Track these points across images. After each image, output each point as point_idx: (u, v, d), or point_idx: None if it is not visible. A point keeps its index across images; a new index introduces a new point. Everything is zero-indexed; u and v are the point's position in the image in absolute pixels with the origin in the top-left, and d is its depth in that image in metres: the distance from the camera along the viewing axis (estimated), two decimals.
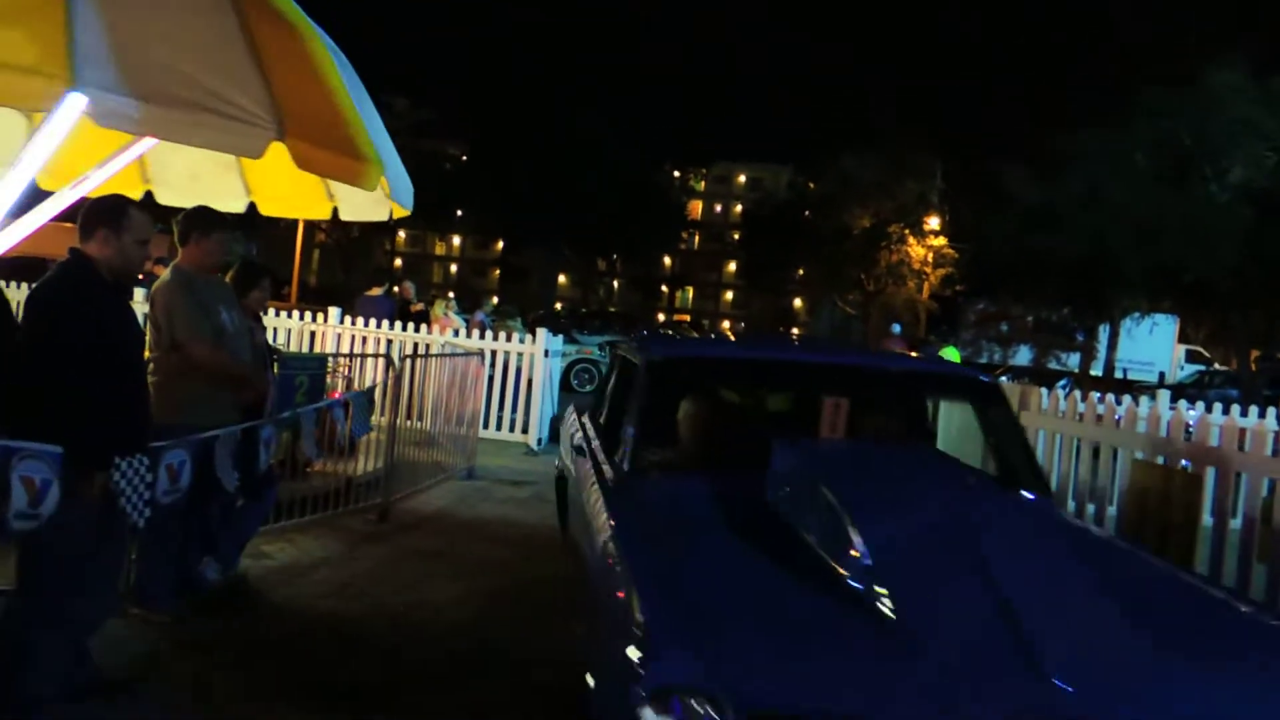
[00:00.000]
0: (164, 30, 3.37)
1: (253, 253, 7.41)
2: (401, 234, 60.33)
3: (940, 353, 14.01)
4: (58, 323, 3.29)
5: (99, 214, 3.47)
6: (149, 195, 5.39)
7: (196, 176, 5.30)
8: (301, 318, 11.28)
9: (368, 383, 7.93)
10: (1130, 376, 29.50)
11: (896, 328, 23.06)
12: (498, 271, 65.34)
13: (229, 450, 4.36)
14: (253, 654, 4.24)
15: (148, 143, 4.32)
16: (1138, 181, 24.72)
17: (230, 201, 5.63)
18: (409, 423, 8.33)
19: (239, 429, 4.39)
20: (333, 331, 11.09)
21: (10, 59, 2.97)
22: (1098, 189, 25.26)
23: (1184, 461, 5.27)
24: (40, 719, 3.23)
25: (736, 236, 65.11)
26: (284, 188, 5.38)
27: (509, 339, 11.10)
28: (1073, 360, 32.58)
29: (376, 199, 5.15)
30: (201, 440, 4.07)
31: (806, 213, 47.07)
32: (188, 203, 5.50)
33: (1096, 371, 30.25)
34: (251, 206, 5.67)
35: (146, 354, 4.33)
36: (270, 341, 5.42)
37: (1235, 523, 5.21)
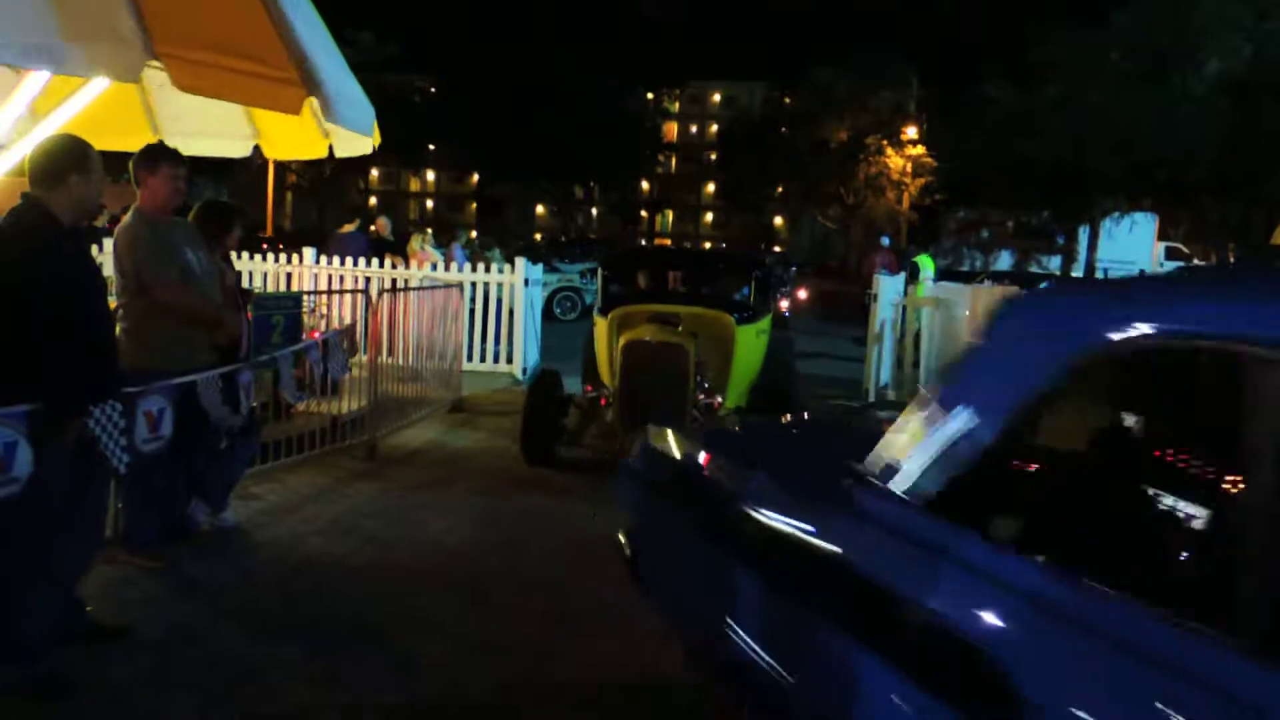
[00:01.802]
0: None
1: (237, 205, 7.27)
2: (375, 172, 59.39)
3: (915, 259, 14.02)
4: (17, 274, 3.21)
5: (65, 158, 3.36)
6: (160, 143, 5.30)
7: (203, 122, 5.19)
8: (276, 259, 11.13)
9: (345, 321, 7.84)
10: (1110, 275, 29.58)
11: (885, 240, 23.06)
12: (474, 205, 64.60)
13: (215, 394, 4.33)
14: (245, 594, 4.26)
15: (90, 89, 4.18)
16: (1114, 82, 24.50)
17: (236, 145, 5.50)
18: (391, 360, 8.30)
19: (219, 373, 4.35)
20: (309, 272, 10.95)
21: None
22: (1074, 91, 25.05)
23: None
24: (34, 666, 3.24)
25: (714, 157, 64.43)
26: (288, 130, 5.26)
27: (488, 270, 11.00)
28: (1053, 263, 32.64)
29: (310, 135, 5.02)
30: (180, 385, 4.04)
31: (783, 129, 46.51)
32: (196, 149, 5.41)
33: (1078, 273, 30.32)
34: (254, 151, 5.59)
35: (113, 300, 4.26)
36: (242, 282, 5.33)
37: None
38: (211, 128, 5.32)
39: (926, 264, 13.59)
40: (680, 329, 6.64)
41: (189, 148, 5.28)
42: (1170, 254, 33.00)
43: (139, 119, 5.35)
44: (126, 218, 4.37)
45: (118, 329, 4.27)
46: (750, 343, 7.16)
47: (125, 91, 4.94)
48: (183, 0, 3.48)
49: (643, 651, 3.70)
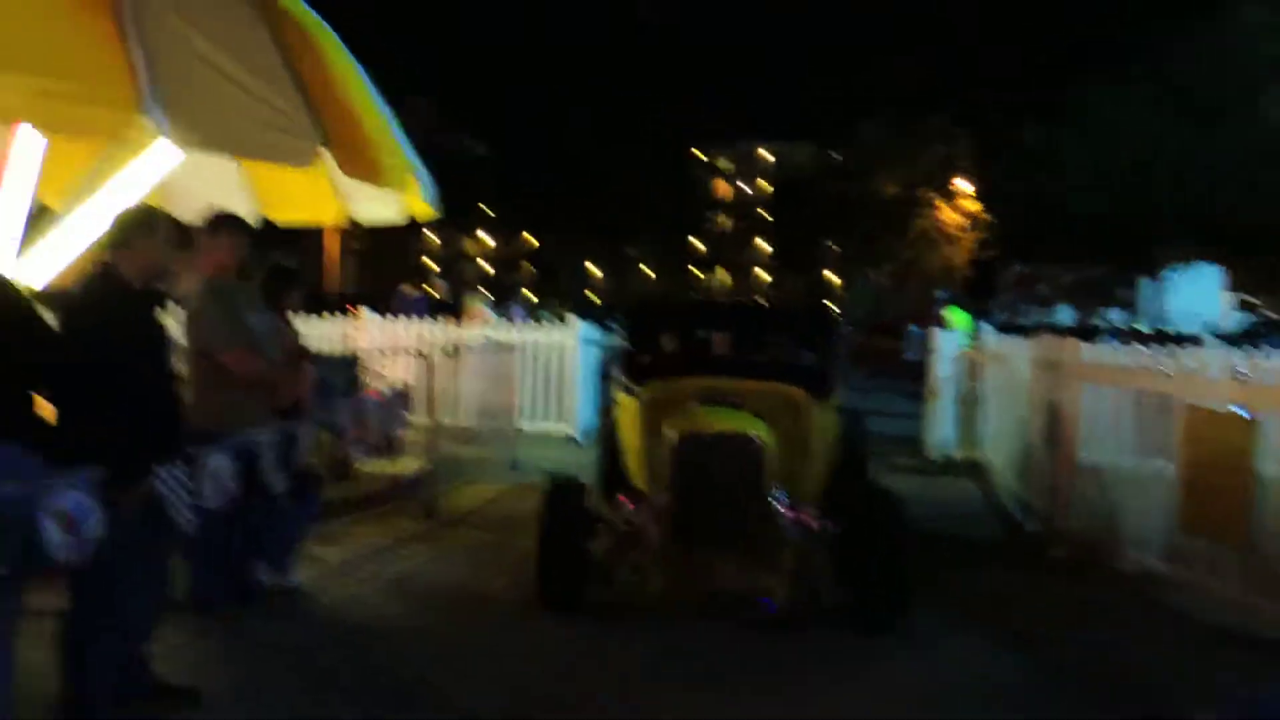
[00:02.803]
0: (210, 48, 3.48)
1: (297, 268, 7.52)
2: (430, 235, 60.65)
3: (944, 311, 13.87)
4: (89, 337, 3.30)
5: (134, 224, 3.49)
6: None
7: (210, 192, 5.37)
8: (334, 315, 11.36)
9: (404, 381, 7.93)
10: (1177, 330, 28.87)
11: (943, 294, 22.94)
12: (528, 267, 65.52)
13: (274, 452, 4.38)
14: (308, 654, 4.26)
15: (172, 158, 4.38)
16: (1168, 128, 24.16)
17: (241, 214, 5.67)
18: (450, 421, 8.37)
19: (282, 431, 4.41)
20: (366, 332, 11.14)
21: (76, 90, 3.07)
22: (1127, 139, 24.75)
23: (1237, 408, 5.12)
24: None
25: (766, 215, 64.69)
26: (290, 196, 5.46)
27: (543, 326, 11.11)
28: (1116, 316, 32.01)
29: (386, 200, 5.23)
30: (244, 443, 4.09)
31: (835, 186, 46.64)
32: (192, 216, 5.59)
33: (1141, 326, 29.69)
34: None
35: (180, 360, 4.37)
36: (302, 342, 5.43)
37: None
38: (215, 197, 5.44)
39: (958, 319, 13.40)
40: (744, 411, 4.89)
41: (189, 214, 5.45)
42: (1242, 306, 32.18)
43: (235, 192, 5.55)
44: (192, 284, 4.48)
45: (186, 391, 4.38)
46: (827, 426, 5.51)
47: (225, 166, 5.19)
48: (325, 90, 3.77)
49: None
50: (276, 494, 4.58)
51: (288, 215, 5.93)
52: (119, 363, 3.26)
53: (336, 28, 4.83)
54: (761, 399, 5.10)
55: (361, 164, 4.22)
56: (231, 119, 3.64)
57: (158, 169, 4.46)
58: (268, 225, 5.78)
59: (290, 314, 5.10)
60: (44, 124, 3.64)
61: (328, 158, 4.14)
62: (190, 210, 5.43)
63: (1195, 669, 4.38)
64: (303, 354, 5.41)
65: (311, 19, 4.54)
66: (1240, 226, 23.65)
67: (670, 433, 4.69)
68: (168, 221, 3.59)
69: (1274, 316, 28.27)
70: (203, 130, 3.46)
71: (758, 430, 4.70)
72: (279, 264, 5.25)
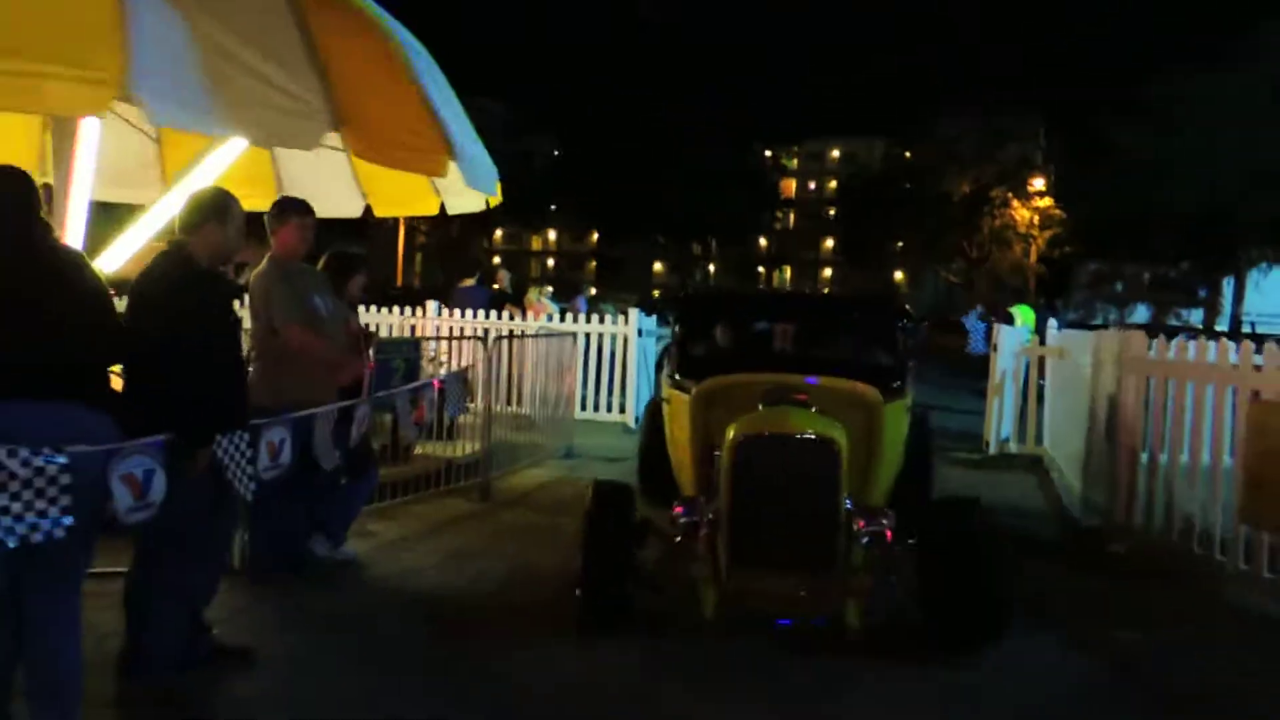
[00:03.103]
0: (217, 26, 3.58)
1: (362, 253, 7.75)
2: (499, 232, 61.38)
3: (1011, 309, 13.64)
4: (164, 314, 3.47)
5: (207, 207, 3.66)
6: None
7: (318, 183, 5.63)
8: (402, 311, 11.61)
9: (463, 366, 8.10)
10: (1258, 330, 27.90)
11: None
12: (593, 263, 65.92)
13: (328, 428, 4.53)
14: (360, 623, 4.40)
15: (234, 147, 4.58)
16: (1260, 122, 23.33)
17: (349, 205, 5.91)
18: (508, 408, 8.52)
19: (335, 407, 4.56)
20: (431, 324, 11.37)
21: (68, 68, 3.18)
22: (1216, 134, 23.97)
23: None
24: (163, 683, 3.43)
25: (832, 213, 64.13)
26: (394, 188, 5.66)
27: (602, 321, 11.20)
28: (1195, 316, 31.03)
29: (472, 191, 5.36)
30: (300, 418, 4.25)
31: (905, 183, 46.02)
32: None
33: (1221, 327, 28.76)
34: (367, 210, 5.99)
35: (246, 340, 4.56)
36: (366, 327, 5.61)
37: None
38: (325, 189, 5.69)
39: (1024, 314, 13.15)
40: (814, 410, 4.37)
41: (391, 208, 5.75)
42: None
43: (265, 178, 5.78)
44: (261, 265, 4.67)
45: (250, 368, 4.56)
46: (898, 427, 5.14)
47: (258, 157, 5.41)
48: (355, 77, 3.85)
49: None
50: (327, 469, 4.75)
51: (391, 207, 6.11)
52: (185, 338, 3.41)
53: (411, 27, 5.02)
54: (831, 398, 4.59)
55: (384, 150, 4.26)
56: (230, 100, 3.68)
57: (225, 159, 4.68)
58: (338, 221, 6.00)
59: (354, 299, 5.25)
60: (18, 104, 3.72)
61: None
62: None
63: (1258, 668, 4.28)
64: (365, 337, 5.58)
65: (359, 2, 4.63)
66: None
67: (733, 433, 4.12)
68: (240, 209, 3.75)
69: None
70: (193, 111, 3.52)
71: (833, 432, 4.12)
72: (342, 250, 5.42)
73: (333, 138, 4.07)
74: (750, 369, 5.03)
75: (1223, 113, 23.89)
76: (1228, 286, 29.84)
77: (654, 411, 6.21)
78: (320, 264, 5.20)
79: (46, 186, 4.14)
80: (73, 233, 4.13)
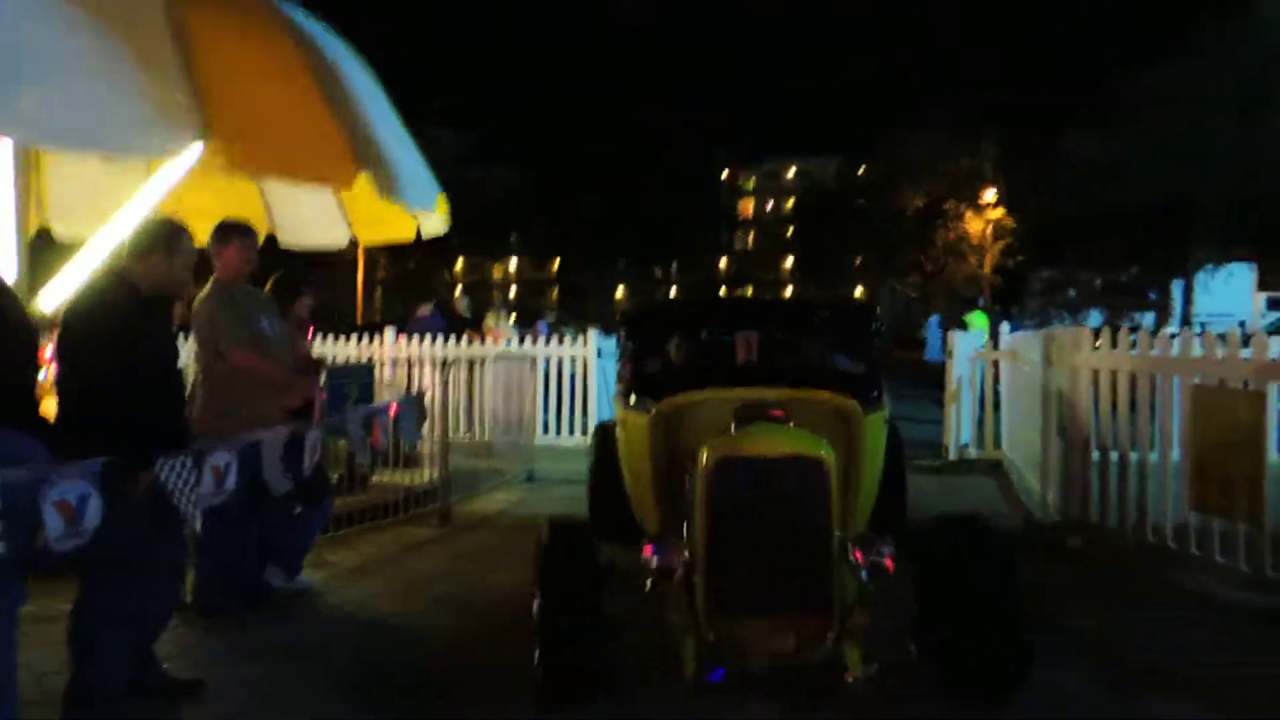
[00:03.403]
0: (86, 34, 3.44)
1: (308, 274, 7.53)
2: (460, 262, 61.20)
3: (965, 318, 13.84)
4: (98, 338, 3.42)
5: (157, 236, 3.61)
6: (271, 238, 5.78)
7: (305, 215, 5.59)
8: (359, 341, 11.51)
9: (419, 390, 8.05)
10: (1210, 330, 28.48)
11: (981, 300, 22.91)
12: (556, 291, 65.90)
13: (277, 452, 4.46)
14: (317, 653, 4.32)
15: (174, 173, 4.53)
16: (1204, 117, 23.83)
17: (336, 235, 5.84)
18: (468, 434, 8.49)
19: (284, 431, 4.50)
20: (388, 352, 11.28)
21: None
22: (1166, 135, 24.42)
23: (1243, 382, 5.09)
24: (106, 715, 3.34)
25: (790, 231, 64.73)
26: (375, 214, 5.61)
27: (561, 343, 11.20)
28: (1147, 319, 31.62)
29: (394, 217, 5.32)
30: (247, 443, 4.18)
31: (858, 199, 46.62)
32: (302, 241, 5.82)
33: (1174, 328, 29.33)
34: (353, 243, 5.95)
35: (194, 364, 4.51)
36: (315, 351, 5.56)
37: None
38: (313, 220, 5.64)
39: (978, 321, 13.35)
40: (792, 426, 3.86)
41: (297, 241, 5.68)
42: (1273, 304, 31.70)
43: (257, 212, 5.72)
44: (205, 288, 4.62)
45: (198, 392, 4.51)
46: (878, 441, 4.68)
47: (246, 190, 5.36)
48: (239, 84, 3.71)
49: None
50: (279, 495, 4.67)
51: (374, 234, 6.03)
52: (122, 360, 3.36)
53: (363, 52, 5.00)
54: (807, 412, 4.10)
55: (271, 161, 4.14)
56: (95, 115, 3.52)
57: (165, 185, 4.63)
58: (295, 258, 5.95)
59: (301, 320, 5.20)
60: None
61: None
62: (295, 235, 5.70)
63: (1206, 644, 4.34)
64: (314, 361, 5.54)
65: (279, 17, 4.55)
66: (1272, 221, 23.32)
67: (706, 457, 3.57)
68: (191, 244, 3.70)
69: None
70: (42, 124, 3.40)
71: (821, 450, 3.60)
72: (288, 271, 5.37)
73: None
74: (714, 384, 4.53)
75: (1167, 114, 24.44)
76: (1177, 289, 30.45)
77: (604, 437, 5.75)
78: (267, 286, 5.16)
79: None
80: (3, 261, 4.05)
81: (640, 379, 5.15)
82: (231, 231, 4.59)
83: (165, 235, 3.62)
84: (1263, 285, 32.10)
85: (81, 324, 3.46)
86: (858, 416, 4.32)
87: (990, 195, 39.99)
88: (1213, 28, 23.77)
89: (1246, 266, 30.42)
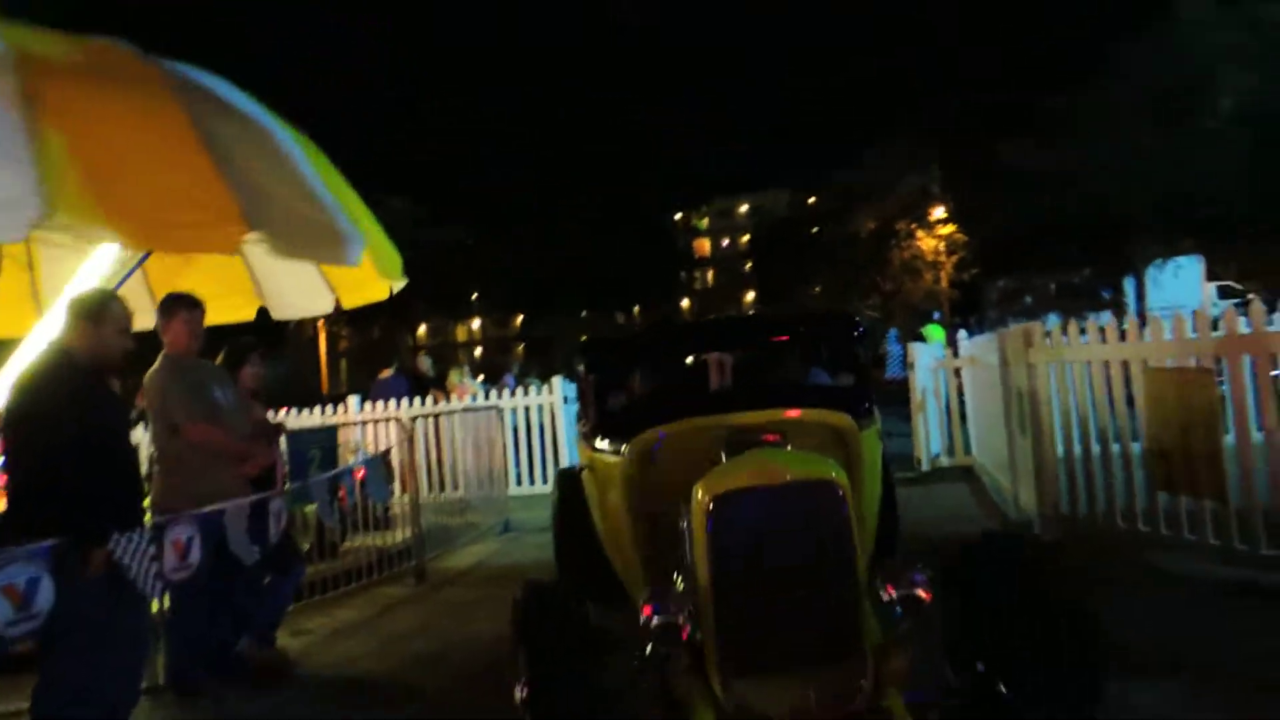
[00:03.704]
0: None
1: (253, 341, 7.45)
2: (423, 327, 61.09)
3: (922, 330, 14.08)
4: (46, 413, 3.37)
5: (79, 308, 3.60)
6: (263, 311, 5.78)
7: (291, 285, 5.58)
8: (322, 411, 11.42)
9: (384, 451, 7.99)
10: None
11: (936, 315, 23.20)
12: (521, 346, 65.88)
13: (241, 524, 4.41)
14: None
15: (105, 257, 4.54)
16: (1130, 126, 24.62)
17: (321, 302, 5.81)
18: (439, 494, 8.43)
19: (247, 502, 4.45)
20: (353, 419, 11.20)
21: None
22: (1094, 143, 25.18)
23: (1193, 360, 5.19)
24: None
25: (748, 266, 65.33)
26: (351, 277, 5.59)
27: (526, 393, 11.17)
28: (1104, 318, 32.12)
29: (370, 278, 5.34)
30: (208, 515, 4.13)
31: (813, 228, 47.25)
32: (292, 311, 5.79)
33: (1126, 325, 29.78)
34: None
35: (150, 440, 4.46)
36: (272, 417, 5.51)
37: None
38: (299, 289, 5.62)
39: (934, 333, 13.56)
40: (790, 449, 3.53)
41: (286, 311, 5.67)
42: (1223, 293, 32.35)
43: (246, 289, 5.69)
44: (155, 363, 4.58)
45: (154, 470, 4.45)
46: (875, 456, 4.32)
47: (232, 266, 5.35)
48: (122, 156, 3.70)
49: None
50: (248, 566, 4.61)
51: (356, 298, 5.99)
52: (73, 432, 3.32)
53: (313, 130, 5.06)
54: (801, 433, 3.73)
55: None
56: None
57: (98, 269, 4.61)
58: (255, 332, 5.93)
59: (247, 389, 5.14)
60: None
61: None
62: (284, 306, 5.68)
63: (1179, 618, 4.37)
64: (272, 428, 5.48)
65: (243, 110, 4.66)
66: (1210, 216, 23.96)
67: (703, 493, 3.12)
68: (121, 311, 3.68)
69: (1254, 298, 28.40)
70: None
71: (832, 471, 3.16)
72: (235, 341, 5.34)
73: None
74: (692, 413, 4.06)
75: (1102, 121, 25.14)
76: (1129, 286, 30.99)
77: (568, 485, 5.25)
78: (219, 358, 5.12)
79: None
80: None
81: (606, 417, 4.66)
82: (177, 304, 4.56)
83: (90, 304, 3.61)
84: (1211, 276, 32.73)
85: (28, 401, 3.42)
86: (854, 433, 3.91)
87: (940, 213, 40.67)
88: (1133, 40, 24.61)
89: (1194, 259, 31.03)
